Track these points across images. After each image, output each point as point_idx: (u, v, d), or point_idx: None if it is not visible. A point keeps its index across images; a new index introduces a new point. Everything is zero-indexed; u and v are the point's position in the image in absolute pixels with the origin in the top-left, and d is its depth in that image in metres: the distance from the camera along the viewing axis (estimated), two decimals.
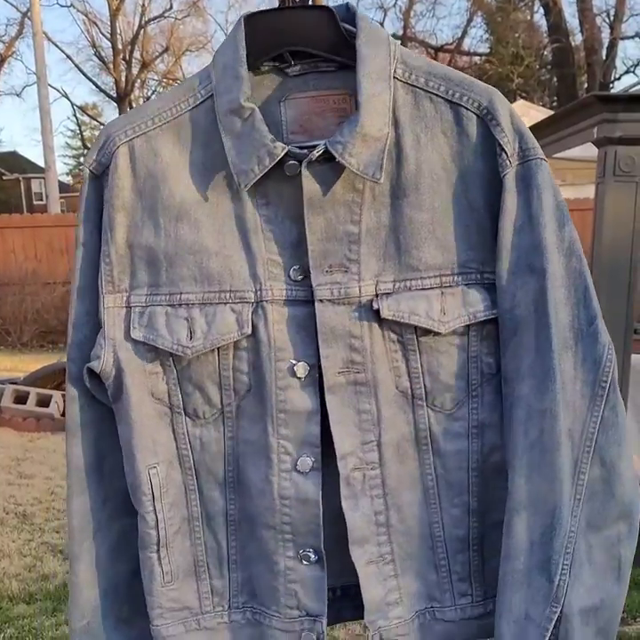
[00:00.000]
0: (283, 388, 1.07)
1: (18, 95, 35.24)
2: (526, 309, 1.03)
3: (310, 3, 1.09)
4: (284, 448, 1.08)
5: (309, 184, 1.02)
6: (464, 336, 1.07)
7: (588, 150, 3.97)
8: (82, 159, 40.32)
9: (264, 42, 1.06)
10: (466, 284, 1.06)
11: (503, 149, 1.02)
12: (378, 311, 1.04)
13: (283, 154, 1.00)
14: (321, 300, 1.05)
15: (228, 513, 1.15)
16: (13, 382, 6.88)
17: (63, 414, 6.60)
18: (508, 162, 1.02)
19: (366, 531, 1.10)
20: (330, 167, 1.02)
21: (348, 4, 1.08)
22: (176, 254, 1.07)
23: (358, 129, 0.99)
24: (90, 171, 1.10)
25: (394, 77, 1.03)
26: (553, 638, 1.01)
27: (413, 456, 1.11)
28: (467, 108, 1.03)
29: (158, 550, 1.12)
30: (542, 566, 1.02)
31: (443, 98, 1.03)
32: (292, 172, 1.02)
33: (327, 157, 1.00)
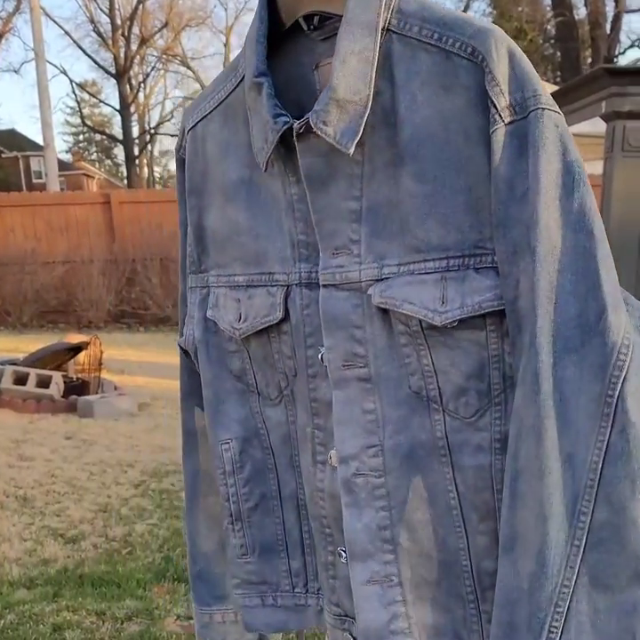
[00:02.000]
0: (313, 376, 1.01)
1: (16, 72, 35.35)
2: (528, 301, 0.84)
3: None
4: (319, 438, 1.02)
5: (306, 159, 0.92)
6: (481, 330, 0.89)
7: (596, 125, 3.90)
8: (81, 136, 40.23)
9: (285, 9, 0.99)
10: (476, 268, 0.88)
11: (493, 102, 0.84)
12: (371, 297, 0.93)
13: (283, 128, 0.91)
14: (325, 285, 0.95)
15: (298, 497, 1.12)
16: (13, 363, 6.86)
17: (63, 396, 6.61)
18: (497, 117, 0.84)
19: (369, 546, 0.97)
20: (322, 139, 0.89)
21: None
22: (229, 236, 1.06)
23: (331, 94, 0.87)
24: (179, 156, 1.13)
25: (389, 30, 0.90)
26: None
27: (431, 467, 0.94)
28: (460, 56, 0.85)
29: (233, 522, 1.14)
30: (528, 623, 0.83)
31: (437, 47, 0.87)
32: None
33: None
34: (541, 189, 0.83)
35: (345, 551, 1.00)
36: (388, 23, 0.89)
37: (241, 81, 1.02)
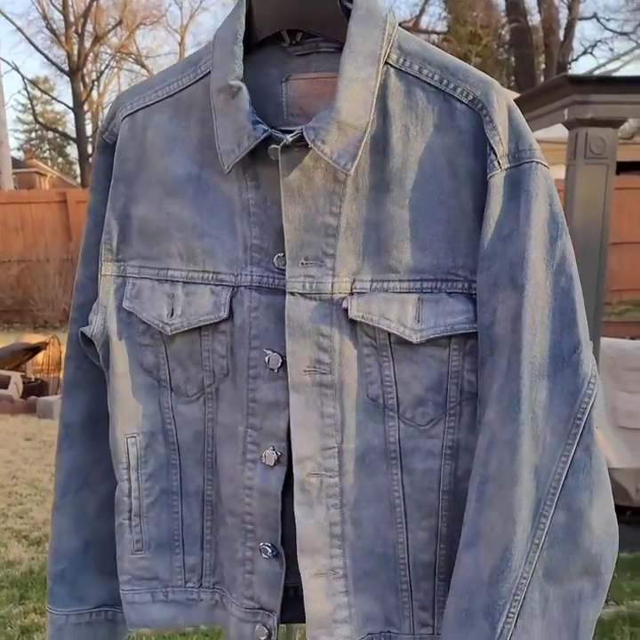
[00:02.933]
0: (254, 377, 1.04)
1: None
2: (504, 327, 0.94)
3: None
4: (252, 438, 1.05)
5: (286, 170, 0.96)
6: (444, 348, 0.98)
7: (553, 131, 3.97)
8: (33, 134, 39.65)
9: (264, 19, 1.02)
10: (448, 293, 0.97)
11: (492, 149, 0.93)
12: (347, 310, 0.98)
13: (263, 136, 0.95)
14: (292, 293, 0.99)
15: (205, 492, 1.14)
16: None
17: (22, 396, 6.51)
18: (496, 163, 0.93)
19: (319, 541, 1.03)
20: (311, 154, 0.95)
21: None
22: (166, 230, 1.06)
23: (334, 115, 0.93)
24: (103, 139, 1.11)
25: (387, 63, 0.96)
26: None
27: (380, 470, 1.03)
28: (460, 101, 0.94)
29: (130, 518, 1.14)
30: (487, 610, 0.92)
31: (436, 88, 0.95)
32: (274, 156, 0.96)
33: (307, 143, 0.95)
34: (532, 233, 0.92)
35: (270, 547, 1.06)
36: (388, 57, 0.96)
37: (201, 78, 1.04)
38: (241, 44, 0.99)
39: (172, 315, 1.06)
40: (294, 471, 1.02)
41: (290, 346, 1.00)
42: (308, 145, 0.94)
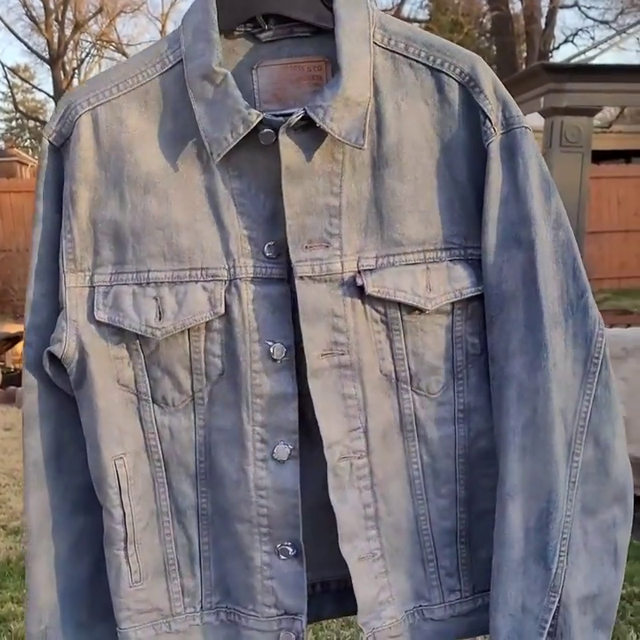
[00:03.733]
0: (258, 372, 1.02)
1: None
2: (514, 284, 0.99)
3: None
4: (260, 435, 1.03)
5: (287, 153, 0.97)
6: (448, 315, 1.03)
7: (532, 120, 3.99)
8: (14, 123, 39.33)
9: (235, 5, 1.01)
10: (450, 260, 1.01)
11: (487, 117, 0.98)
12: (362, 288, 0.99)
13: (257, 121, 0.95)
14: (301, 278, 0.99)
15: (200, 507, 1.09)
16: None
17: (1, 386, 6.48)
18: (492, 130, 0.98)
19: (355, 525, 1.04)
20: (308, 135, 0.97)
21: None
22: (143, 229, 1.01)
23: (340, 92, 0.95)
24: (49, 142, 1.04)
25: (373, 42, 0.99)
26: (551, 630, 0.98)
27: (399, 444, 1.06)
28: (448, 75, 0.99)
29: (125, 547, 1.05)
30: (539, 554, 0.98)
31: (423, 64, 1.00)
32: (267, 140, 0.97)
33: (304, 125, 0.96)
34: (534, 193, 0.98)
35: (290, 546, 1.04)
36: (373, 36, 0.98)
37: (170, 68, 1.01)
38: (217, 29, 0.98)
39: (161, 318, 1.01)
40: (326, 457, 1.01)
41: (306, 331, 1.00)
42: (305, 126, 0.96)
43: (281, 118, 0.97)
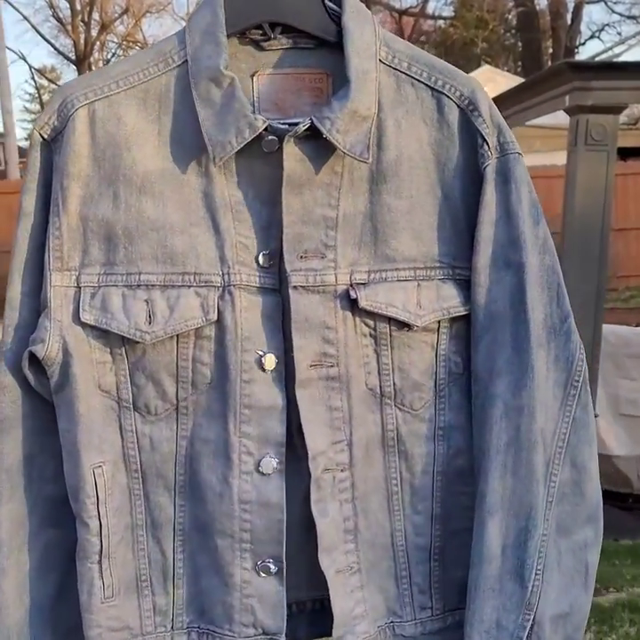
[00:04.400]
0: (248, 382, 1.00)
1: None
2: (502, 305, 1.01)
3: None
4: (246, 447, 1.01)
5: (290, 162, 0.96)
6: (434, 333, 1.04)
7: (557, 117, 3.96)
8: None
9: (243, 10, 1.01)
10: (440, 278, 1.02)
11: (485, 140, 1.00)
12: (354, 301, 0.99)
13: (263, 127, 0.95)
14: (295, 287, 0.99)
15: (177, 521, 1.05)
16: None
17: None
18: (489, 153, 1.00)
19: (335, 538, 1.03)
20: (311, 146, 0.97)
21: None
22: (136, 230, 0.98)
23: (348, 105, 0.95)
24: (40, 134, 1.00)
25: (378, 59, 0.99)
26: None
27: (380, 458, 1.06)
28: (448, 97, 1.01)
29: (100, 561, 1.01)
30: (516, 571, 0.99)
31: (425, 84, 1.01)
32: (269, 148, 0.96)
33: (308, 135, 0.96)
34: (525, 217, 1.01)
35: (272, 563, 1.01)
36: (378, 53, 0.99)
37: (174, 68, 1.00)
38: (225, 32, 0.97)
39: (151, 322, 0.98)
40: (310, 469, 1.00)
41: (297, 341, 0.99)
42: (308, 136, 0.95)
43: (286, 126, 0.96)
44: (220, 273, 0.99)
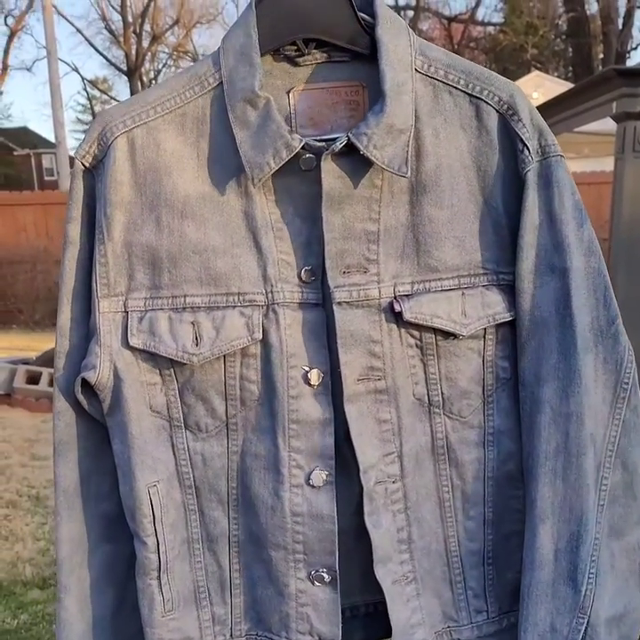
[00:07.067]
0: (295, 397, 1.01)
1: (28, 70, 35.28)
2: (547, 310, 1.00)
3: None
4: (296, 461, 1.02)
5: (329, 179, 0.96)
6: (480, 340, 1.03)
7: (606, 124, 3.91)
8: None
9: (276, 28, 1.00)
10: (484, 285, 1.02)
11: (525, 145, 0.98)
12: (399, 314, 0.99)
13: (300, 146, 0.95)
14: (339, 303, 0.99)
15: (231, 533, 1.08)
16: (25, 362, 6.87)
17: None
18: (529, 158, 0.99)
19: (389, 548, 1.03)
20: (349, 161, 0.96)
21: None
22: (180, 254, 1.00)
23: (385, 119, 0.94)
24: (82, 163, 1.02)
25: (414, 69, 0.98)
26: None
27: (430, 467, 1.06)
28: (487, 103, 0.99)
29: (159, 576, 1.04)
30: (568, 576, 0.99)
31: (462, 91, 1.00)
32: (307, 166, 0.97)
33: (345, 151, 0.95)
34: (568, 221, 0.99)
35: (326, 572, 1.03)
36: (414, 63, 0.98)
37: (210, 91, 1.00)
38: (259, 53, 0.97)
39: (198, 344, 0.99)
40: (362, 482, 1.01)
41: (343, 356, 0.99)
42: (347, 152, 0.95)
43: (322, 143, 0.96)
44: (264, 291, 1.00)
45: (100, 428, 1.07)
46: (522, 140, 0.98)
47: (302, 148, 0.95)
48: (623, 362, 1.01)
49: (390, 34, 0.98)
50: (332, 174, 0.97)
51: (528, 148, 0.98)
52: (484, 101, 0.99)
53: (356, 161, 0.96)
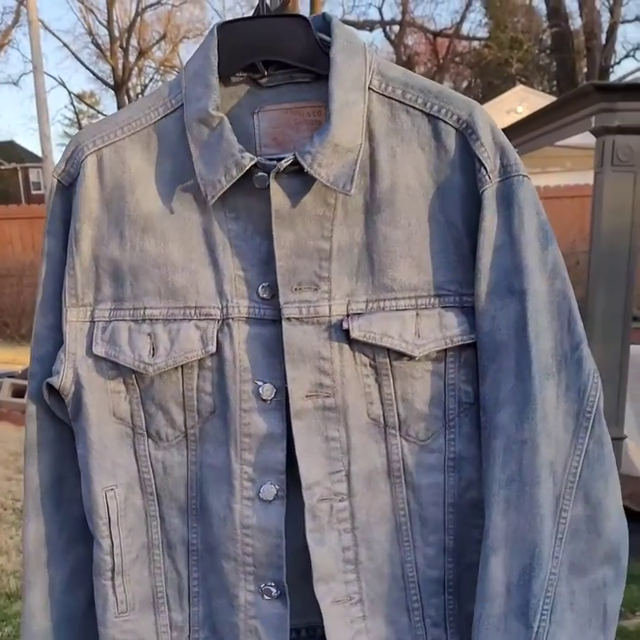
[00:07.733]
0: (247, 411, 1.02)
1: (15, 84, 35.47)
2: (506, 333, 0.97)
3: (287, 12, 1.06)
4: (247, 474, 1.03)
5: (277, 197, 0.98)
6: (441, 362, 1.01)
7: (587, 138, 3.95)
8: None
9: (237, 51, 1.02)
10: (443, 307, 1.00)
11: (482, 164, 0.97)
12: (348, 331, 0.99)
13: (251, 165, 0.96)
14: (288, 319, 0.99)
15: (190, 542, 1.08)
16: (11, 376, 6.86)
17: None
18: (487, 177, 0.97)
19: (333, 567, 1.02)
20: (300, 179, 0.98)
21: (324, 13, 1.05)
22: (141, 268, 1.03)
23: (329, 138, 0.95)
24: (58, 181, 1.06)
25: (369, 88, 0.99)
26: None
27: (385, 489, 1.04)
28: (445, 122, 0.98)
29: (113, 577, 1.06)
30: (520, 611, 0.94)
31: (420, 110, 0.99)
32: (261, 184, 0.98)
33: (296, 169, 0.96)
34: (528, 242, 0.96)
35: (273, 586, 1.03)
36: (370, 83, 0.99)
37: (172, 112, 1.03)
38: (217, 75, 0.99)
39: (154, 354, 1.02)
40: (304, 498, 1.00)
41: (290, 372, 1.00)
42: (297, 170, 0.96)
43: (275, 162, 0.97)
44: (220, 306, 1.02)
45: (72, 433, 1.09)
46: (479, 160, 0.97)
47: (256, 166, 0.97)
48: (586, 389, 0.96)
49: (345, 53, 0.98)
50: (280, 192, 0.98)
51: (485, 168, 0.97)
52: (443, 120, 0.98)
53: (307, 180, 0.97)
